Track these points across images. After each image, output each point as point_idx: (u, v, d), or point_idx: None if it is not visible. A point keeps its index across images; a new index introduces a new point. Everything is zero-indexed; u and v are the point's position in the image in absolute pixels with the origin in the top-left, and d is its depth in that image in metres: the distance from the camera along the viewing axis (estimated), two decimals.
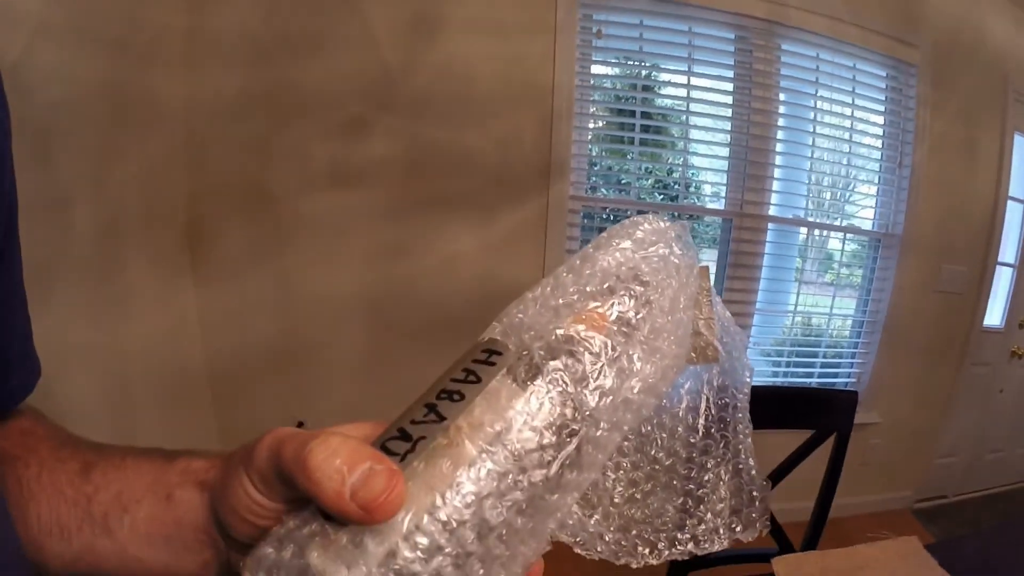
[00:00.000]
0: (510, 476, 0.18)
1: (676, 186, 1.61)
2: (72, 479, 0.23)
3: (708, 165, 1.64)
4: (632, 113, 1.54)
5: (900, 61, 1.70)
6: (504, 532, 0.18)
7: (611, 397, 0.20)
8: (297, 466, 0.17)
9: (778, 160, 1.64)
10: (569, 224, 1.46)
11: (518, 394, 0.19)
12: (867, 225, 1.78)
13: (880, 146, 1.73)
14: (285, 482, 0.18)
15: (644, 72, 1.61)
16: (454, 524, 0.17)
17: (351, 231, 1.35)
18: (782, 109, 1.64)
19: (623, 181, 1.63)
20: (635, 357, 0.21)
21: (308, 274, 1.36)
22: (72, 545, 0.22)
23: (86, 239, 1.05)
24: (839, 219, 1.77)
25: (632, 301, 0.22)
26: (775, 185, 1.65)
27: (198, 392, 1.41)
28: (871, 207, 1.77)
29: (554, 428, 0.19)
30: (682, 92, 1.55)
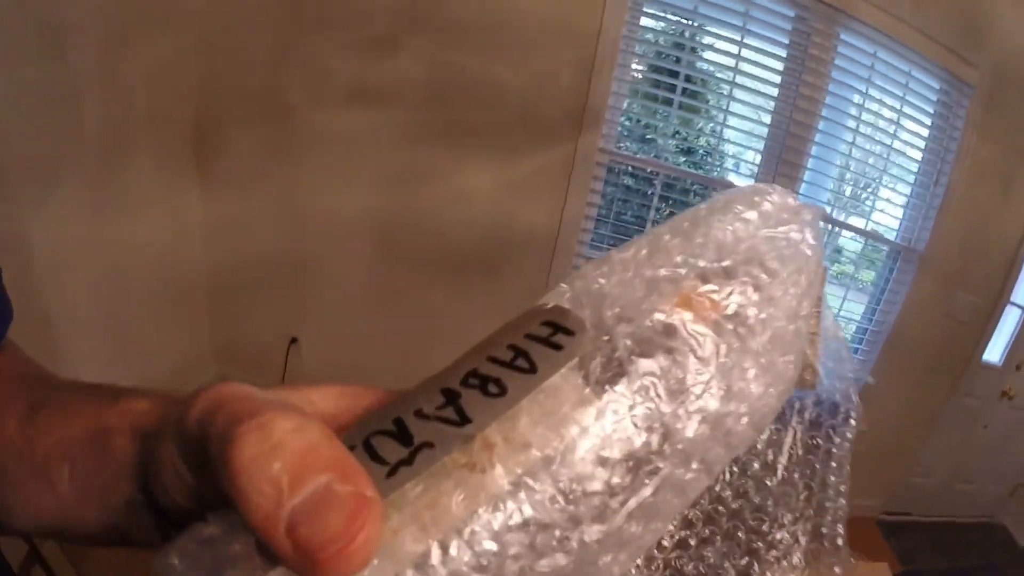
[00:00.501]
0: (556, 530, 0.12)
1: (706, 155, 1.56)
2: (19, 423, 0.19)
3: (742, 140, 1.58)
4: (673, 73, 1.47)
5: (956, 78, 1.63)
6: None
7: (710, 426, 0.14)
8: (219, 457, 0.11)
9: (814, 150, 1.59)
10: (593, 177, 1.41)
11: (588, 403, 0.13)
12: (890, 235, 1.75)
13: (919, 159, 1.67)
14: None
15: (690, 32, 1.54)
16: None
17: (365, 151, 1.31)
18: (828, 99, 1.58)
19: (650, 139, 1.57)
20: (749, 374, 0.15)
21: (317, 190, 1.33)
22: (18, 496, 0.19)
23: (93, 136, 1.04)
24: (866, 223, 1.72)
25: (756, 294, 0.15)
26: (805, 175, 1.60)
27: (195, 299, 1.40)
28: (897, 217, 1.73)
29: (630, 463, 0.13)
30: (730, 61, 1.49)
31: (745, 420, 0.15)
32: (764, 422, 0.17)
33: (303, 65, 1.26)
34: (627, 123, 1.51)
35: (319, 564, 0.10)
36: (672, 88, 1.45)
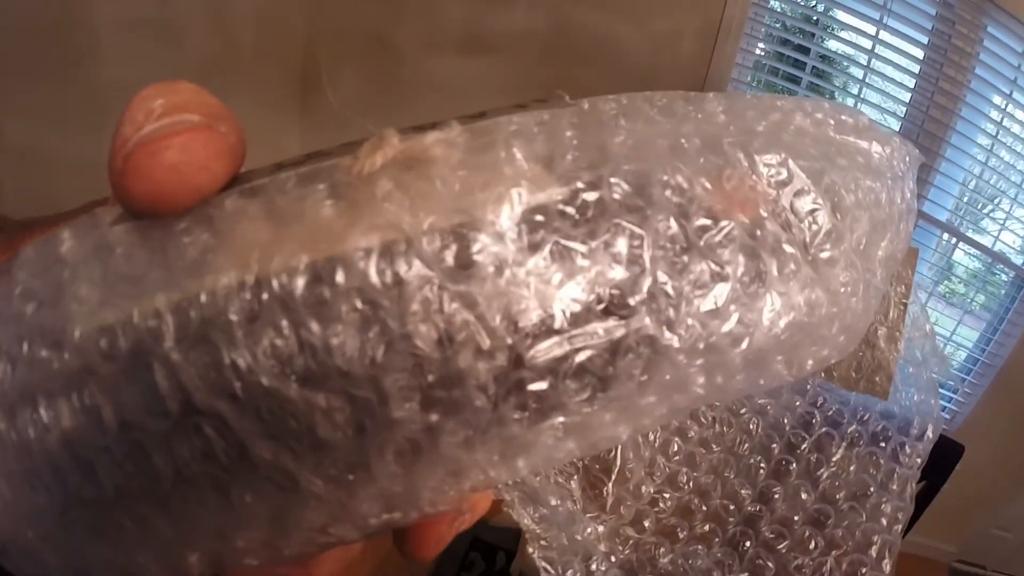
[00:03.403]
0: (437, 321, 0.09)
1: None
2: None
3: None
4: (802, 49, 1.34)
5: None
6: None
7: (722, 300, 0.10)
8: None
9: (947, 151, 1.43)
10: None
11: (542, 180, 0.10)
12: (1018, 259, 1.56)
13: None
14: None
15: (825, 7, 1.40)
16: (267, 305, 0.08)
17: (473, 102, 1.25)
18: (968, 97, 1.41)
19: None
20: (790, 262, 0.11)
21: None
22: None
23: (193, 72, 1.04)
24: (993, 242, 1.55)
25: (814, 198, 0.12)
26: (935, 178, 1.44)
27: None
28: None
29: (589, 279, 0.10)
30: (866, 43, 1.34)
31: (782, 322, 0.11)
32: (803, 356, 0.12)
33: (416, 8, 1.23)
34: None
35: (139, 178, 0.09)
36: (799, 65, 1.33)
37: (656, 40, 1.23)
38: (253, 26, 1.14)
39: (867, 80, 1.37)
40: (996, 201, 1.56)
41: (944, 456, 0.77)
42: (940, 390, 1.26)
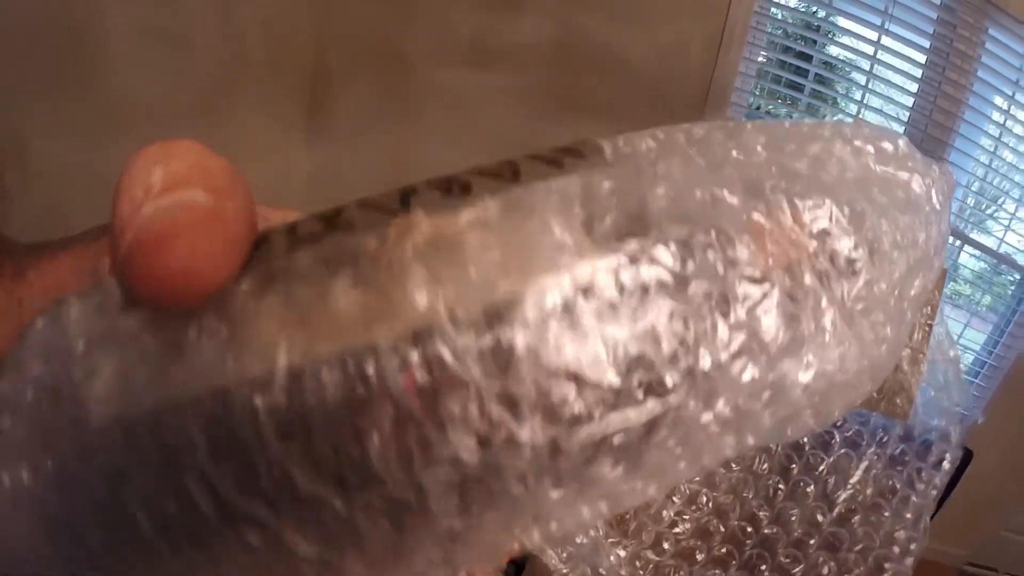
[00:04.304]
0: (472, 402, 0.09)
1: None
2: (5, 284, 0.17)
3: None
4: (804, 56, 1.35)
5: None
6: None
7: (755, 369, 0.10)
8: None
9: (951, 155, 1.43)
10: None
11: (579, 250, 0.09)
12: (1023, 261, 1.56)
13: None
14: None
15: (826, 13, 1.41)
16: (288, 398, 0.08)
17: (481, 114, 1.27)
18: (971, 100, 1.42)
19: None
20: (827, 321, 0.11)
21: (429, 150, 1.30)
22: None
23: (202, 81, 1.05)
24: (998, 244, 1.55)
25: (854, 238, 0.11)
26: None
27: None
28: None
29: (621, 361, 0.09)
30: (868, 48, 1.35)
31: (809, 375, 0.11)
32: (831, 405, 0.12)
33: (424, 19, 1.23)
34: (747, 106, 1.40)
35: (143, 276, 0.08)
36: (801, 72, 1.34)
37: (662, 49, 1.23)
38: (262, 35, 1.14)
39: (870, 86, 1.38)
40: (1000, 202, 1.57)
41: (956, 464, 0.76)
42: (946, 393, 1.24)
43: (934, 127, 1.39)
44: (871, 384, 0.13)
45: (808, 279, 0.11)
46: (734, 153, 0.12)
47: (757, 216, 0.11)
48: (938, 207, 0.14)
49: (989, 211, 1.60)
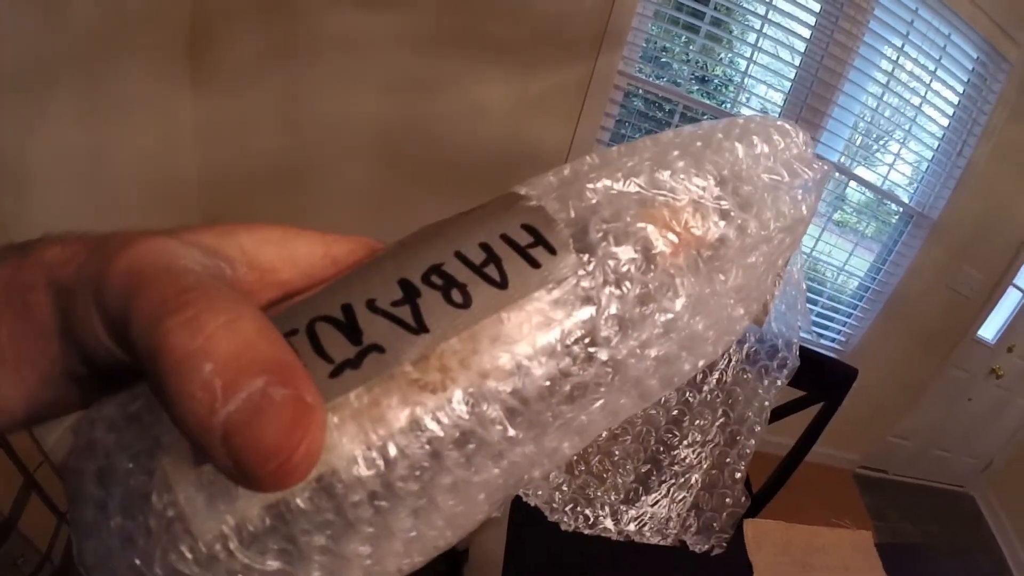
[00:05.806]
0: (496, 448, 0.12)
1: (720, 86, 1.51)
2: None
3: (768, 79, 1.53)
4: None
5: (996, 51, 1.55)
6: (451, 505, 0.12)
7: (658, 363, 0.14)
8: (148, 350, 0.10)
9: (840, 98, 1.54)
10: (610, 100, 1.38)
11: (550, 325, 0.12)
12: (905, 196, 1.72)
13: (945, 126, 1.62)
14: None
15: None
16: (380, 491, 0.11)
17: (372, 56, 1.25)
18: (861, 49, 1.51)
19: (665, 63, 1.50)
20: (706, 320, 0.15)
21: (318, 95, 1.28)
22: None
23: (81, 38, 0.98)
24: (882, 181, 1.69)
25: (741, 239, 0.15)
26: (827, 123, 1.56)
27: (187, 207, 1.37)
28: (914, 180, 1.70)
29: (577, 389, 0.13)
30: None
31: (688, 363, 0.15)
32: (698, 367, 0.16)
33: None
34: (644, 45, 1.45)
35: (259, 479, 0.09)
36: (697, 14, 1.39)
37: None
38: None
39: (764, 30, 1.45)
40: (883, 142, 1.70)
41: (840, 379, 0.84)
42: (834, 315, 1.40)
43: (824, 71, 1.49)
44: (748, 321, 0.16)
45: (697, 290, 0.14)
46: (655, 178, 0.14)
47: (662, 233, 0.13)
48: (812, 203, 0.17)
49: (874, 150, 1.74)
